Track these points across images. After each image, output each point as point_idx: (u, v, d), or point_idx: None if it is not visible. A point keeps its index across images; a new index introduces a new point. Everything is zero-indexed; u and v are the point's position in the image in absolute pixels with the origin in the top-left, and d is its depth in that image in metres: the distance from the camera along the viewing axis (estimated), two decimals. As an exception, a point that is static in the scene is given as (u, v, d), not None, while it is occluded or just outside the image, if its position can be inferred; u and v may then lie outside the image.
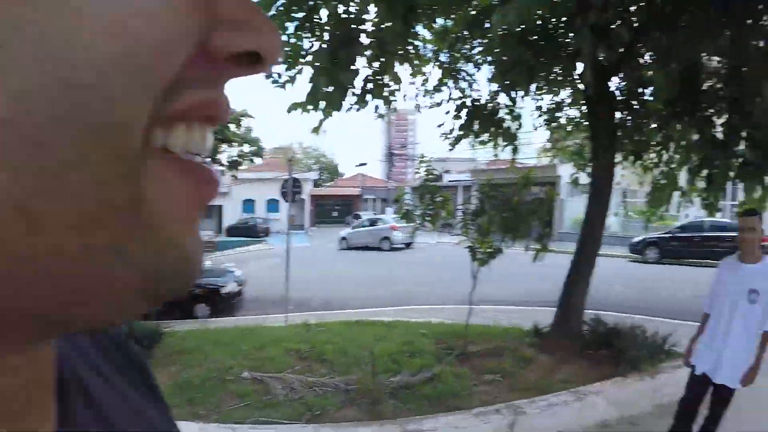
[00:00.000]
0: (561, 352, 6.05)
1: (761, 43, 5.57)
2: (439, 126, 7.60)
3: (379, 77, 5.68)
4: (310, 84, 4.85)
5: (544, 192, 6.62)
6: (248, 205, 38.19)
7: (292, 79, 5.11)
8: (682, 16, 5.70)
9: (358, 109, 5.73)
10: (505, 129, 7.37)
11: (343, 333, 7.28)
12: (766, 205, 6.64)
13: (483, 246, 5.95)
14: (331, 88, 4.86)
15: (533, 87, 7.37)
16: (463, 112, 7.27)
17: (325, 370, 5.65)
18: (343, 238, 25.93)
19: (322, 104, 4.92)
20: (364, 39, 5.24)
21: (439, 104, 7.65)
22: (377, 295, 11.91)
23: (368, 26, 5.34)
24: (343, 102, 5.11)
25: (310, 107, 4.89)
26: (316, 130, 5.39)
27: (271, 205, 36.71)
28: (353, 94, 5.45)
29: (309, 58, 5.05)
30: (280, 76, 5.24)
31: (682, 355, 3.90)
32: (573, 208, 23.55)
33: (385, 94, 6.01)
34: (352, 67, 4.96)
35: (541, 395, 4.98)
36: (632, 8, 6.17)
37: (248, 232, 32.17)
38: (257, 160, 26.56)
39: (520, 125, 7.45)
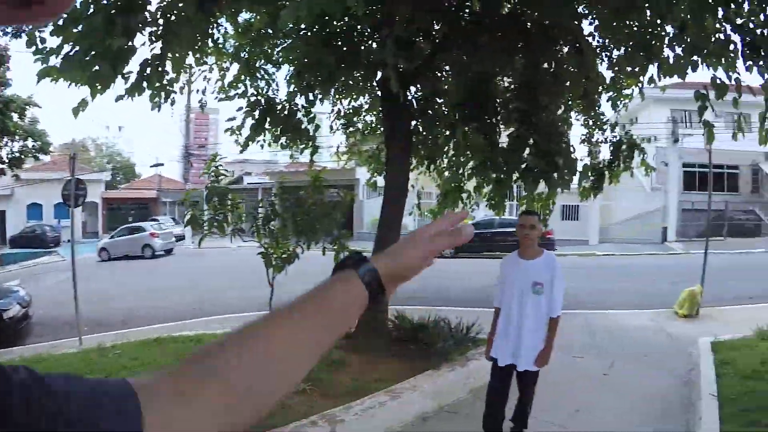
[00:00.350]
0: (372, 352, 5.98)
1: (552, 66, 6.21)
2: (229, 120, 7.10)
3: (159, 62, 4.96)
4: (71, 48, 4.01)
5: (339, 194, 6.51)
6: (35, 210, 32.83)
7: (56, 50, 4.15)
8: (481, 36, 6.05)
9: (129, 97, 4.93)
10: (302, 131, 7.12)
11: (141, 355, 6.47)
12: (550, 205, 7.44)
13: (277, 251, 5.58)
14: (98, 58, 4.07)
15: (332, 91, 7.33)
16: (257, 112, 6.83)
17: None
18: (103, 249, 23.90)
19: (82, 76, 4.10)
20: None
21: (231, 98, 7.16)
22: (181, 306, 11.13)
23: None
24: (112, 79, 4.33)
25: (63, 76, 4.05)
26: (75, 111, 4.48)
27: (60, 210, 31.89)
28: (123, 77, 4.66)
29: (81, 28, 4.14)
30: (44, 42, 4.24)
31: (486, 342, 4.04)
32: (371, 209, 24.59)
33: (165, 83, 5.39)
34: (130, 44, 4.22)
35: (357, 399, 4.79)
36: (435, 24, 6.38)
37: (36, 242, 28.22)
38: (44, 158, 23.09)
39: (317, 127, 7.30)
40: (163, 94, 5.44)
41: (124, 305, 11.64)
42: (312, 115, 7.12)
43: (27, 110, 20.08)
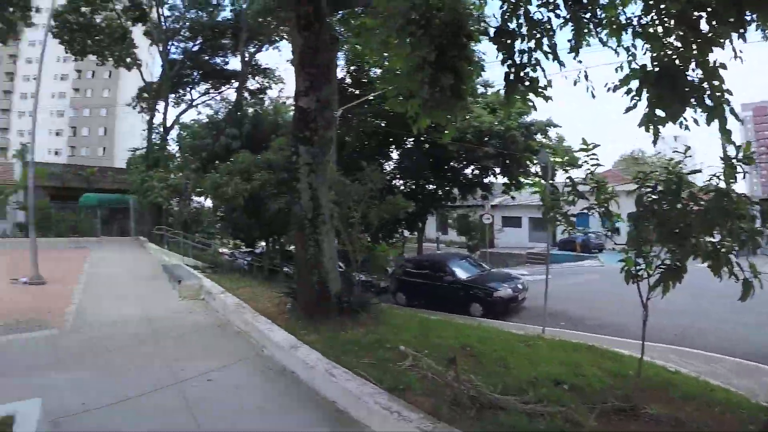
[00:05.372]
0: None
1: None
2: None
3: None
4: None
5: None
6: (582, 219, 35.12)
7: None
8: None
9: None
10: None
11: (555, 355, 6.10)
12: None
13: None
14: None
15: None
16: None
17: None
18: None
19: None
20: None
21: None
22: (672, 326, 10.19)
23: None
24: None
25: None
26: None
27: (603, 220, 32.60)
28: None
29: None
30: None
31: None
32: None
33: None
34: None
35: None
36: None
37: (579, 247, 30.23)
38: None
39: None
40: None
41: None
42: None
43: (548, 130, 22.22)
